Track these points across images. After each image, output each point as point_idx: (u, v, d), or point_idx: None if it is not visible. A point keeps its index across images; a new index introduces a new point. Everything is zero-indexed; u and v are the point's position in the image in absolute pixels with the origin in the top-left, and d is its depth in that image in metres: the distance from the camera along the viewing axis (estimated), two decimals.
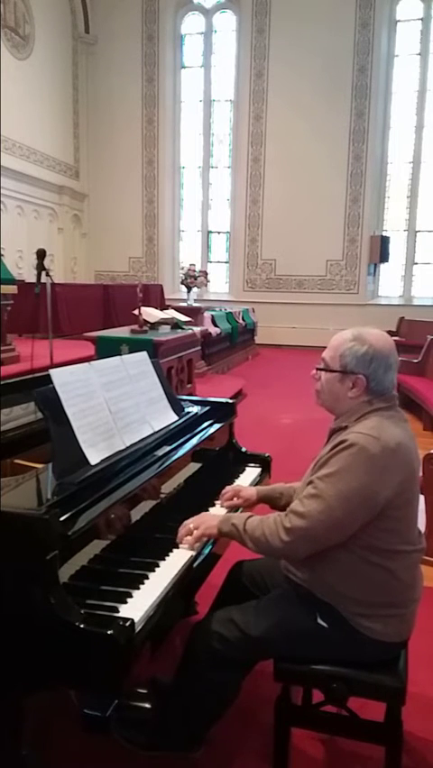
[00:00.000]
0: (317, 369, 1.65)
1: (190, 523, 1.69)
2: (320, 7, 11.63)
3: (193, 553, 1.63)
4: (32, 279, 5.62)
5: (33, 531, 1.23)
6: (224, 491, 2.01)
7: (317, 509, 1.46)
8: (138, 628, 1.27)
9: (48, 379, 1.63)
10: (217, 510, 1.95)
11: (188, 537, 1.66)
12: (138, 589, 1.43)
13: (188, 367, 6.03)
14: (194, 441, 2.08)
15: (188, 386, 6.00)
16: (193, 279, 8.99)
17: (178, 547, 1.66)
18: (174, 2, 12.74)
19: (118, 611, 1.32)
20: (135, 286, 6.02)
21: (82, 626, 1.19)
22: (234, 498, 1.97)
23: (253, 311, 11.76)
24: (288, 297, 12.73)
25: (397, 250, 12.54)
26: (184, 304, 8.72)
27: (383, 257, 12.26)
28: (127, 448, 1.74)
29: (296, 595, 1.62)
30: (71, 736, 1.68)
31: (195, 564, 1.63)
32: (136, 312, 5.58)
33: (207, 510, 1.94)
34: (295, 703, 1.70)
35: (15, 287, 6.08)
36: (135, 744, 1.68)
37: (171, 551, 1.64)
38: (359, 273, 12.43)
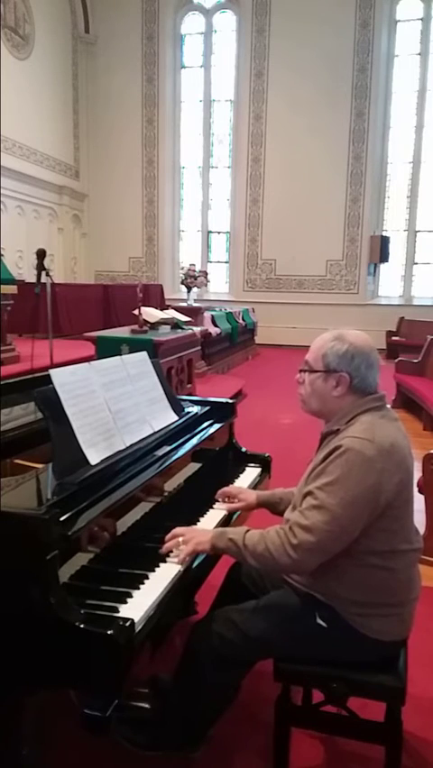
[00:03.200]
0: (301, 371, 1.66)
1: (180, 535, 1.61)
2: (320, 7, 11.63)
3: (181, 568, 1.54)
4: (32, 279, 5.62)
5: (33, 531, 1.23)
6: (223, 490, 2.00)
7: (322, 521, 1.44)
8: (138, 628, 1.27)
9: (48, 379, 1.62)
10: (216, 512, 1.94)
11: (178, 552, 1.57)
12: (138, 589, 1.43)
13: (188, 367, 6.02)
14: (194, 441, 2.08)
15: (188, 386, 6.00)
16: (193, 279, 8.99)
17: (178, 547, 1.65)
18: (174, 2, 12.75)
19: (118, 611, 1.32)
20: (135, 286, 6.01)
21: (82, 626, 1.19)
22: (234, 500, 1.96)
23: (253, 311, 11.77)
24: (288, 297, 12.73)
25: (397, 250, 12.54)
26: (184, 304, 8.72)
27: (383, 257, 12.26)
28: (127, 448, 1.74)
29: (295, 595, 1.62)
30: (71, 736, 1.68)
31: (194, 564, 1.62)
32: (136, 312, 5.57)
33: (207, 511, 1.94)
34: (295, 703, 1.69)
35: (15, 287, 6.08)
36: (135, 744, 1.68)
37: (171, 551, 1.63)
38: (359, 273, 12.43)
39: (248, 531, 1.58)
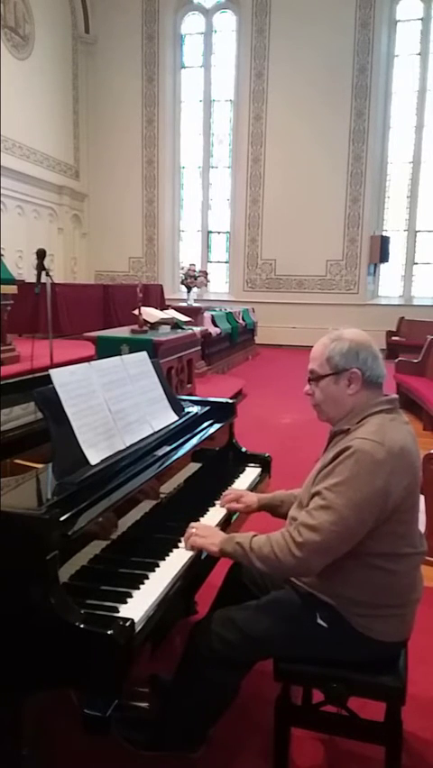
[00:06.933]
0: (309, 381, 1.64)
1: (194, 528, 1.67)
2: (320, 7, 11.63)
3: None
4: (32, 279, 5.62)
5: (33, 531, 1.23)
6: (225, 492, 2.00)
7: (329, 521, 1.44)
8: (138, 628, 1.27)
9: (48, 379, 1.62)
10: (216, 512, 1.94)
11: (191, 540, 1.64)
12: (138, 589, 1.43)
13: (188, 367, 6.02)
14: (194, 441, 2.08)
15: (188, 386, 6.00)
16: (193, 279, 8.99)
17: (178, 547, 1.65)
18: (174, 2, 12.75)
19: (118, 611, 1.32)
20: (135, 286, 6.02)
21: (82, 626, 1.19)
22: (235, 503, 1.95)
23: (253, 311, 11.77)
24: (288, 296, 12.73)
25: (397, 250, 12.54)
26: (184, 304, 8.71)
27: (383, 257, 12.26)
28: (127, 448, 1.74)
29: (296, 595, 1.62)
30: (71, 736, 1.67)
31: (195, 564, 1.62)
32: (136, 312, 5.57)
33: (207, 510, 1.94)
34: (295, 703, 1.70)
35: (15, 287, 6.07)
36: (135, 744, 1.68)
37: (171, 551, 1.63)
38: (359, 273, 12.43)
39: (255, 535, 1.58)
